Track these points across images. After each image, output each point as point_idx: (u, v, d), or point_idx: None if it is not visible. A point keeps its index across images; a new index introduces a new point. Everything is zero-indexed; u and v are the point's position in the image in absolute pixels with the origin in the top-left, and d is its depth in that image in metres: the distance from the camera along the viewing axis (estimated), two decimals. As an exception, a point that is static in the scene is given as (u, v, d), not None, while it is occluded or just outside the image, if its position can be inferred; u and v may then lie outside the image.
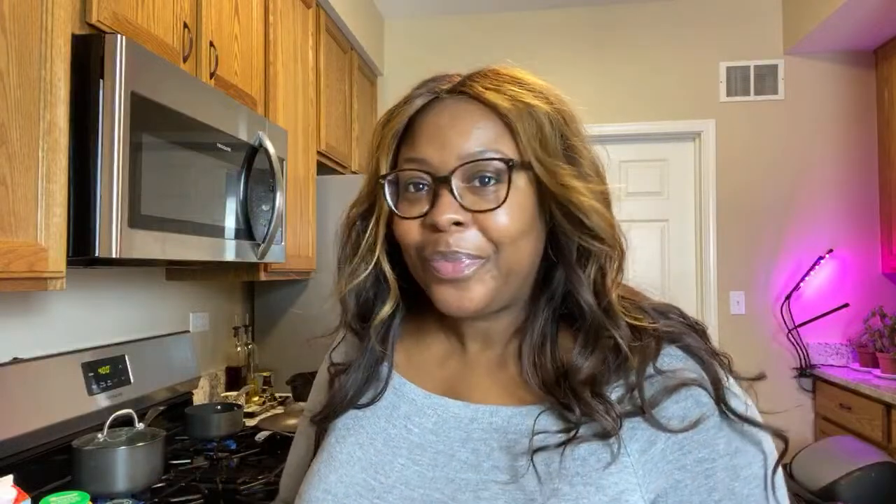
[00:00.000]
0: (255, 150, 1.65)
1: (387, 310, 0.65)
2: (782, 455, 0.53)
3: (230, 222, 1.54)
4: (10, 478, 1.00)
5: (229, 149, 1.52)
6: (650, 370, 0.54)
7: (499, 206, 0.55)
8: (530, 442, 0.53)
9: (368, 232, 0.63)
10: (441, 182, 0.56)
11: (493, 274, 0.56)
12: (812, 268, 3.04)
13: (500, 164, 0.55)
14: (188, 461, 1.60)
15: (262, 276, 1.93)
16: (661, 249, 3.22)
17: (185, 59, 1.45)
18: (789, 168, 3.11)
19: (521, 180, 0.56)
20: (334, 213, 2.55)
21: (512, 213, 0.55)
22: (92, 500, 1.14)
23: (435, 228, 0.55)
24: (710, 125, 3.16)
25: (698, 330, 0.58)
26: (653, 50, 3.22)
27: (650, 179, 3.25)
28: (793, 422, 3.02)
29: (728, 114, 3.16)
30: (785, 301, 3.06)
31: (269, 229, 1.69)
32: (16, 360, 1.33)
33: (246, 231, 1.61)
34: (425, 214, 0.57)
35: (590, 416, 0.52)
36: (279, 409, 2.17)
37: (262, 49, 1.89)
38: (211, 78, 1.56)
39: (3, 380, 1.25)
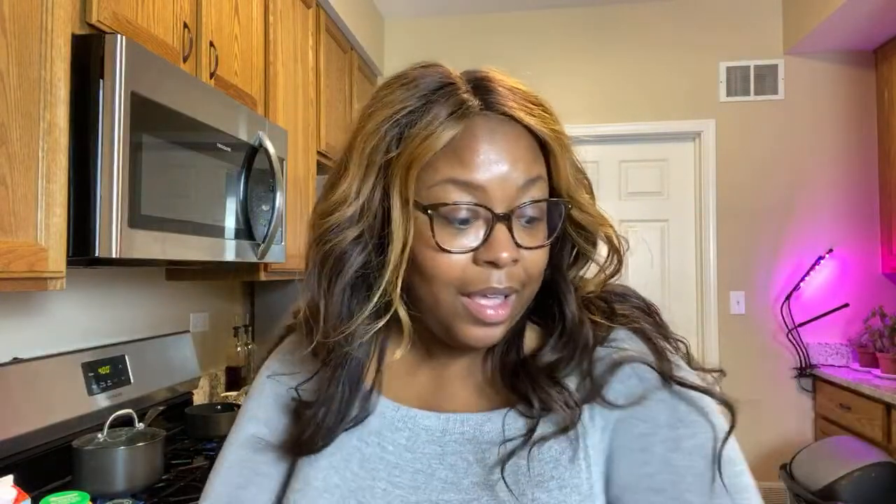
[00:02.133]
0: (255, 150, 1.65)
1: (400, 353, 0.59)
2: (730, 430, 0.51)
3: (230, 222, 1.54)
4: (10, 478, 1.00)
5: (229, 149, 1.52)
6: (599, 353, 0.54)
7: (545, 245, 0.54)
8: (499, 451, 0.52)
9: (387, 276, 0.53)
10: (501, 219, 0.51)
11: (519, 308, 0.55)
12: (812, 268, 3.04)
13: (556, 206, 0.54)
14: (188, 461, 1.60)
15: (262, 276, 1.93)
16: (661, 249, 3.22)
17: (185, 59, 1.45)
18: (789, 168, 3.11)
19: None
20: (334, 213, 2.56)
21: (546, 249, 0.55)
22: (92, 500, 1.14)
23: (491, 265, 0.51)
24: (710, 125, 3.16)
25: (652, 311, 0.58)
26: (652, 50, 3.22)
27: (650, 179, 3.25)
28: (792, 422, 3.02)
29: (728, 114, 3.16)
30: (785, 301, 3.06)
31: (269, 229, 1.69)
32: (16, 360, 1.33)
33: (246, 231, 1.61)
34: (476, 248, 0.52)
35: (548, 407, 0.52)
36: (279, 409, 2.17)
37: (262, 49, 1.89)
38: (211, 78, 1.56)
39: (3, 380, 1.25)
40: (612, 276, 0.58)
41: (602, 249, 0.58)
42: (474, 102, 0.52)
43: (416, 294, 0.54)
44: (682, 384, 0.52)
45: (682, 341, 0.57)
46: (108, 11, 1.19)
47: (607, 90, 3.25)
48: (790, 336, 3.05)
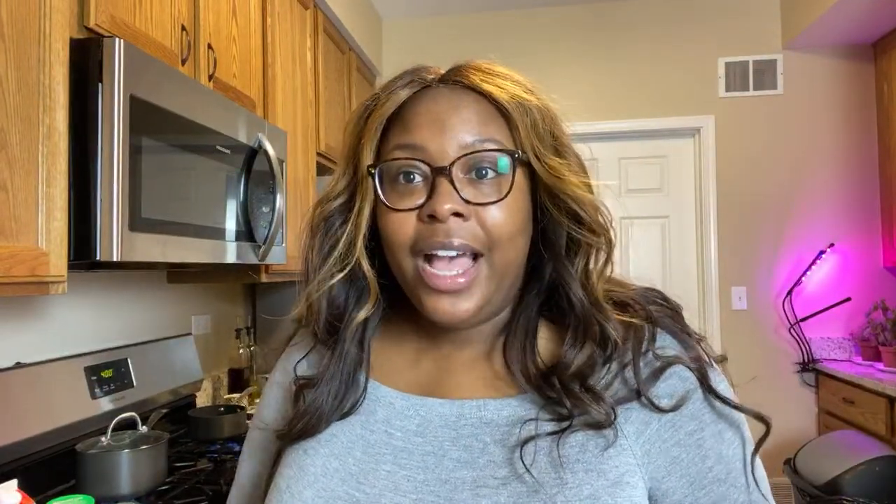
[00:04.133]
0: (254, 152, 1.65)
1: (364, 313, 0.60)
2: (763, 438, 0.54)
3: (231, 224, 1.54)
4: (14, 482, 1.00)
5: (229, 151, 1.52)
6: (647, 353, 0.54)
7: (501, 199, 0.53)
8: (520, 432, 0.53)
9: (348, 228, 0.58)
10: (440, 172, 0.53)
11: (488, 276, 0.54)
12: (813, 262, 3.04)
13: (503, 156, 0.54)
14: (192, 464, 1.60)
15: (264, 278, 1.93)
16: (662, 246, 3.22)
17: (183, 62, 1.45)
18: (789, 163, 3.11)
19: (518, 175, 0.55)
20: (335, 214, 2.56)
21: (510, 208, 0.54)
22: (96, 503, 1.15)
23: (434, 220, 0.53)
24: (710, 121, 3.16)
25: (678, 312, 0.58)
26: (651, 46, 3.22)
27: (650, 176, 3.25)
28: (796, 417, 3.02)
29: (727, 109, 3.16)
30: (787, 296, 3.06)
31: (269, 231, 1.69)
32: (19, 365, 1.33)
33: (246, 233, 1.61)
34: (421, 206, 0.54)
35: (583, 411, 0.52)
36: (282, 411, 2.17)
37: (260, 51, 1.89)
38: (209, 80, 1.56)
39: (6, 384, 1.26)
40: (606, 260, 0.57)
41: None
42: (430, 77, 0.58)
43: (389, 264, 0.58)
44: (720, 398, 0.54)
45: (702, 339, 0.58)
46: (106, 15, 1.19)
47: (606, 87, 3.25)
48: (792, 331, 3.05)
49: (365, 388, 0.60)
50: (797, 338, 3.04)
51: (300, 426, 0.58)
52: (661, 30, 3.21)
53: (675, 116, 3.18)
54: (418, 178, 0.55)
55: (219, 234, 1.48)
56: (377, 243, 0.59)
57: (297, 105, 2.20)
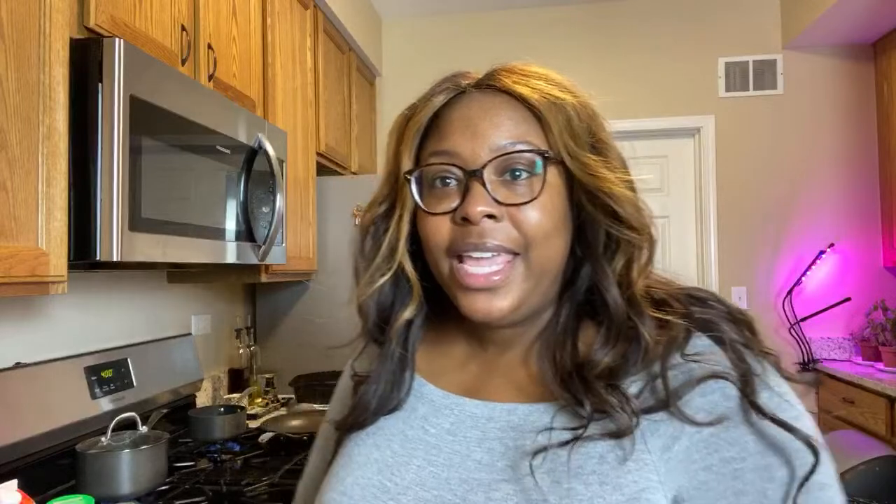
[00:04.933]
0: (254, 152, 1.65)
1: (408, 313, 0.62)
2: (809, 473, 0.46)
3: (231, 224, 1.54)
4: (14, 482, 1.00)
5: (229, 151, 1.52)
6: (676, 359, 0.51)
7: (533, 199, 0.54)
8: (537, 438, 0.52)
9: (390, 232, 0.60)
10: (472, 175, 0.54)
11: (524, 275, 0.55)
12: (813, 262, 3.04)
13: (535, 157, 0.54)
14: (192, 464, 1.60)
15: (264, 278, 1.93)
16: (662, 246, 3.16)
17: (183, 62, 1.45)
18: (789, 163, 3.11)
19: (552, 174, 0.55)
20: (334, 214, 2.56)
21: (545, 207, 0.54)
22: (96, 503, 1.15)
23: (467, 222, 0.54)
24: (710, 121, 3.15)
25: (739, 319, 0.53)
26: (651, 46, 3.22)
27: (650, 176, 3.24)
28: (796, 417, 3.02)
29: (727, 109, 3.16)
30: (787, 296, 3.06)
31: (269, 231, 1.69)
32: (18, 365, 1.33)
33: (247, 233, 1.61)
34: (455, 209, 0.55)
35: (602, 412, 0.50)
36: (282, 411, 2.17)
37: (260, 51, 1.89)
38: (209, 80, 1.56)
39: (6, 385, 1.26)
40: (648, 259, 0.55)
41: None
42: (465, 83, 0.59)
43: (431, 268, 0.60)
44: (765, 415, 0.47)
45: (771, 354, 0.52)
46: (106, 15, 1.19)
47: (606, 87, 3.24)
48: (793, 331, 3.05)
49: (410, 386, 0.63)
50: (797, 338, 3.04)
51: (351, 419, 0.62)
52: (661, 29, 3.21)
53: (675, 116, 3.18)
54: (453, 182, 0.56)
55: (219, 234, 1.48)
56: (418, 246, 0.60)
57: (297, 105, 2.20)
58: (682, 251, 3.20)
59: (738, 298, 3.11)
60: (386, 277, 0.61)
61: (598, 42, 3.26)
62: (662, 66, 3.20)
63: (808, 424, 0.48)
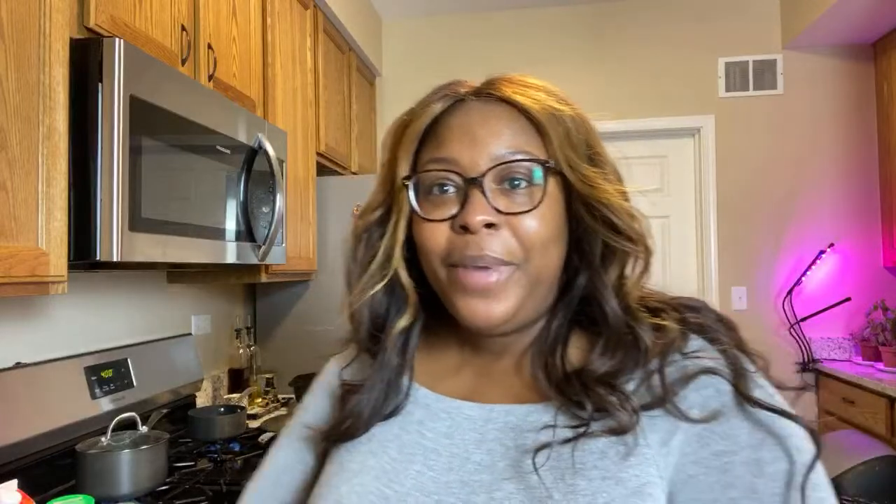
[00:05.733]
0: (254, 152, 1.65)
1: (404, 321, 0.61)
2: (812, 463, 0.47)
3: (231, 224, 1.54)
4: (14, 482, 1.00)
5: (229, 151, 1.52)
6: (674, 356, 0.52)
7: (534, 209, 0.54)
8: (538, 437, 0.52)
9: (386, 238, 0.60)
10: (472, 183, 0.54)
11: (522, 283, 0.55)
12: (813, 262, 3.04)
13: (535, 167, 0.54)
14: (192, 464, 1.60)
15: (264, 278, 1.93)
16: (662, 246, 3.21)
17: (183, 62, 1.45)
18: (789, 163, 3.11)
19: (550, 185, 0.55)
20: (334, 214, 2.56)
21: (544, 217, 0.54)
22: (96, 503, 1.15)
23: (465, 231, 0.54)
24: (710, 121, 3.15)
25: (730, 325, 0.56)
26: (651, 46, 3.22)
27: (650, 176, 3.24)
28: (796, 417, 3.02)
29: (727, 109, 3.16)
30: (787, 296, 3.06)
31: (269, 231, 1.69)
32: (18, 365, 1.33)
33: (246, 233, 1.61)
34: (454, 217, 0.55)
35: (604, 411, 0.50)
36: (282, 411, 2.17)
37: (260, 51, 1.89)
38: (209, 80, 1.56)
39: (6, 385, 1.26)
40: (643, 269, 0.56)
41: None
42: (463, 91, 0.58)
43: (426, 275, 0.59)
44: (761, 405, 0.49)
45: (761, 357, 0.54)
46: (106, 15, 1.19)
47: (606, 87, 3.25)
48: (793, 331, 3.05)
49: (407, 393, 0.62)
50: (797, 338, 3.04)
51: (343, 428, 0.61)
52: (661, 30, 3.21)
53: (675, 116, 3.18)
54: (451, 190, 0.56)
55: (219, 234, 1.48)
56: (414, 253, 0.60)
57: (297, 105, 2.20)
58: (682, 251, 3.20)
59: (739, 298, 3.11)
60: (381, 285, 0.60)
61: (599, 42, 3.26)
62: (662, 66, 3.20)
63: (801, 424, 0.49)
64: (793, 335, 3.05)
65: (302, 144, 2.23)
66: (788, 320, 3.05)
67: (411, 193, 0.57)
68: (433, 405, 0.61)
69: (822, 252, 3.03)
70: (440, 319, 0.64)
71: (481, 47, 3.28)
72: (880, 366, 2.74)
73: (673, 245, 3.21)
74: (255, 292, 2.54)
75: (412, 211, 0.58)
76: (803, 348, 3.03)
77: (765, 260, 3.11)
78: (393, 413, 0.61)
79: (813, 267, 3.04)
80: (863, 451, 2.26)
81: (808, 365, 3.01)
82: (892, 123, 2.90)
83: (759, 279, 3.11)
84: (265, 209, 1.71)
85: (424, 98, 0.60)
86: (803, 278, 3.05)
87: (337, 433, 0.61)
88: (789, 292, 3.05)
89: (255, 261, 1.67)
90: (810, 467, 0.47)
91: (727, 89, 3.15)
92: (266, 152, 1.67)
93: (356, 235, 0.62)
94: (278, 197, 1.72)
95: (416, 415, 0.61)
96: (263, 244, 1.68)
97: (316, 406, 0.70)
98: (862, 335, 2.95)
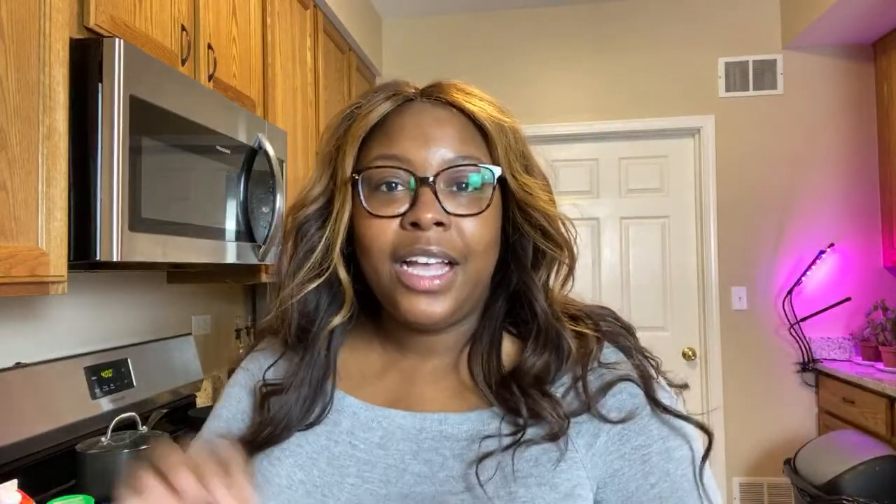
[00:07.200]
0: (254, 152, 1.65)
1: (339, 318, 0.60)
2: (708, 449, 0.56)
3: (231, 224, 1.54)
4: (14, 482, 1.00)
5: (229, 151, 1.52)
6: (594, 365, 0.56)
7: (481, 213, 0.56)
8: (479, 447, 0.53)
9: (326, 233, 0.58)
10: (424, 183, 0.55)
11: (462, 283, 0.56)
12: (813, 262, 3.03)
13: (483, 172, 0.56)
14: (192, 464, 1.60)
15: (264, 278, 1.93)
16: (662, 246, 3.22)
17: (183, 62, 1.45)
18: (789, 162, 3.11)
19: (495, 191, 0.57)
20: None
21: (487, 221, 0.57)
22: (96, 503, 1.15)
23: (416, 227, 0.54)
24: (710, 121, 3.15)
25: (630, 331, 0.61)
26: (651, 46, 3.22)
27: (650, 176, 3.24)
28: (795, 417, 3.02)
29: (727, 109, 3.15)
30: (787, 296, 3.06)
31: (269, 231, 1.69)
32: (19, 365, 1.33)
33: (246, 233, 1.61)
34: (403, 214, 0.55)
35: (537, 416, 0.53)
36: (282, 411, 2.17)
37: (260, 51, 1.89)
38: (209, 80, 1.56)
39: (6, 385, 1.26)
40: (568, 272, 0.60)
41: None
42: (411, 91, 0.59)
43: (364, 270, 0.59)
44: (665, 408, 0.55)
45: (656, 359, 0.60)
46: (106, 15, 1.19)
47: (606, 87, 3.24)
48: (792, 331, 3.05)
49: (331, 398, 0.60)
50: (797, 338, 3.04)
51: (266, 434, 0.58)
52: (661, 30, 3.21)
53: (675, 116, 3.18)
54: (401, 188, 0.56)
55: (219, 234, 1.48)
56: (351, 249, 0.60)
57: (297, 105, 2.20)
58: (682, 251, 3.20)
59: (738, 298, 3.11)
60: (319, 280, 0.59)
61: (598, 42, 3.26)
62: (662, 66, 3.20)
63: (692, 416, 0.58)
64: (793, 335, 3.05)
65: (302, 144, 2.23)
66: (788, 320, 3.05)
67: (360, 189, 0.57)
68: (361, 414, 0.59)
69: (822, 252, 3.03)
70: (363, 319, 0.65)
71: (481, 46, 3.28)
72: (880, 366, 2.74)
73: (673, 245, 3.20)
74: (255, 292, 2.54)
75: (357, 206, 0.57)
76: (803, 348, 3.03)
77: (765, 260, 3.11)
78: (316, 422, 0.59)
79: (813, 267, 3.04)
80: (863, 451, 2.26)
81: (808, 365, 3.01)
82: (892, 123, 2.90)
83: (758, 279, 3.11)
84: (265, 209, 1.71)
85: (369, 94, 0.60)
86: (803, 278, 3.05)
87: (260, 440, 0.58)
88: (789, 292, 3.05)
89: (255, 261, 1.67)
90: (703, 461, 0.55)
91: (727, 89, 3.15)
92: (266, 152, 1.67)
93: (290, 230, 0.60)
94: (278, 197, 1.72)
95: (344, 424, 0.59)
96: (263, 244, 1.68)
97: (229, 406, 0.66)
98: (862, 335, 2.95)
